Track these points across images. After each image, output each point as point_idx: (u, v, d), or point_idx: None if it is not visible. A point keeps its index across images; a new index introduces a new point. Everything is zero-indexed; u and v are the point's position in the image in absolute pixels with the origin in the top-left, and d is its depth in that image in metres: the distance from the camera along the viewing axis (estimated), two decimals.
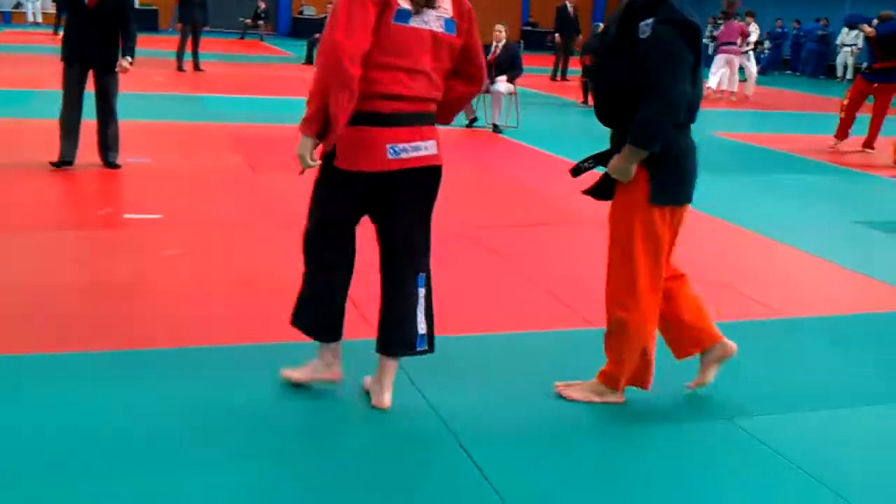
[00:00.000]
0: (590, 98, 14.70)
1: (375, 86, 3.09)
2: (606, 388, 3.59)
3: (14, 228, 5.62)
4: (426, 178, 3.33)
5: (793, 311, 4.97)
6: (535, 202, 7.26)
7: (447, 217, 6.54)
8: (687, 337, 3.65)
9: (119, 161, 7.47)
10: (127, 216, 6.12)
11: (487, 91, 11.13)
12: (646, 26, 3.18)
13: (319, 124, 3.15)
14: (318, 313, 3.49)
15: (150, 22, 27.47)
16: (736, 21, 17.93)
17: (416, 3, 3.10)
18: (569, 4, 18.91)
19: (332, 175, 3.26)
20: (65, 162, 7.25)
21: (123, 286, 4.67)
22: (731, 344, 3.67)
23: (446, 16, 3.22)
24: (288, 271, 5.04)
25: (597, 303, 4.67)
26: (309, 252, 3.47)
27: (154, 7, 27.90)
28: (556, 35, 19.20)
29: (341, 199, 3.32)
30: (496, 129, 10.93)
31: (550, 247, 6.02)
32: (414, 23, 3.11)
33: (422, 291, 3.46)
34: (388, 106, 3.13)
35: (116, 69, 7.26)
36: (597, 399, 3.59)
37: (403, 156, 3.17)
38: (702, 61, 3.31)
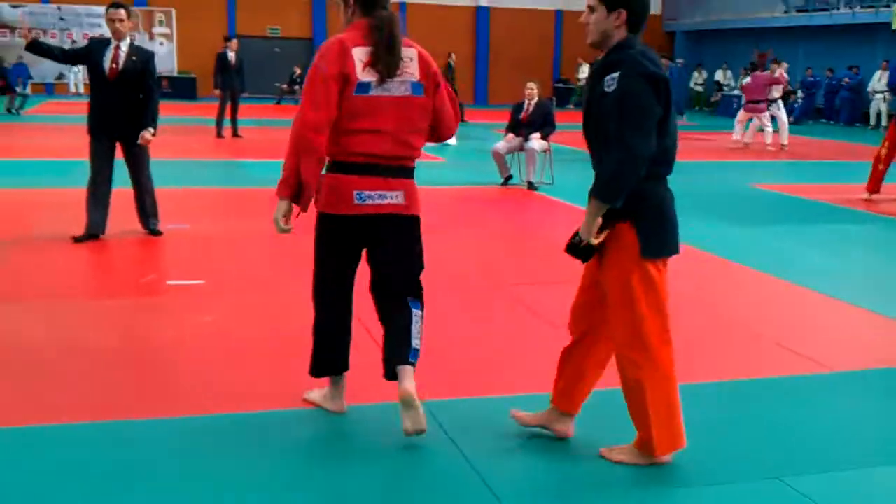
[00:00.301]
0: None
1: (346, 146, 3.56)
2: (644, 455, 3.50)
3: (61, 296, 5.71)
4: (396, 223, 3.73)
5: (841, 364, 4.87)
6: (569, 258, 7.22)
7: (483, 273, 6.59)
8: (576, 394, 3.69)
9: (160, 227, 7.57)
10: (170, 283, 6.19)
11: (521, 149, 11.21)
12: (611, 80, 3.20)
13: (292, 188, 3.59)
14: (329, 355, 3.93)
15: (188, 90, 28.09)
16: (764, 72, 17.97)
17: (379, 75, 3.50)
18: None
19: (322, 222, 3.72)
20: (91, 235, 7.26)
21: (167, 352, 4.72)
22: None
23: (412, 80, 3.60)
24: None
25: None
26: (317, 296, 3.88)
27: (192, 75, 28.51)
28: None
29: (331, 243, 3.75)
30: (531, 186, 10.97)
31: None
32: (375, 92, 3.50)
33: (417, 314, 3.84)
34: (357, 159, 3.58)
35: (139, 141, 7.23)
36: (643, 462, 3.52)
37: (369, 202, 3.61)
38: (672, 111, 3.29)
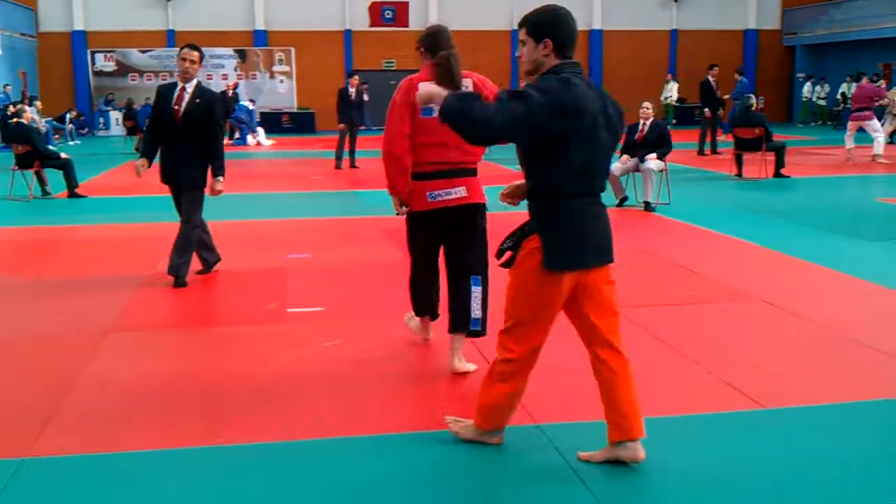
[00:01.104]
0: (744, 170, 14.40)
1: (419, 157, 4.75)
2: (478, 429, 3.87)
3: (190, 325, 5.93)
4: (462, 212, 4.84)
5: None
6: (690, 280, 7.11)
7: None
8: (613, 417, 3.70)
9: (178, 272, 7.05)
10: (291, 310, 6.35)
11: (637, 169, 11.08)
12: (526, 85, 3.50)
13: (394, 189, 4.83)
14: (419, 301, 5.24)
15: (307, 124, 28.85)
16: (868, 83, 17.43)
17: None
18: (711, 78, 18.82)
19: (410, 218, 4.97)
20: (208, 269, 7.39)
21: (287, 377, 4.83)
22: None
23: None
24: (443, 358, 5.11)
25: (765, 382, 4.51)
26: (412, 271, 5.17)
27: (311, 110, 29.29)
28: (707, 109, 18.91)
29: (416, 231, 5.01)
30: (648, 206, 10.82)
31: (708, 326, 5.86)
32: (436, 114, 3.77)
33: (477, 290, 4.83)
34: (428, 167, 4.75)
35: (210, 192, 7.10)
36: (472, 436, 3.88)
37: (438, 199, 4.77)
38: (587, 140, 3.47)
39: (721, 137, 19.44)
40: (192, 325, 5.98)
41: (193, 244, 7.20)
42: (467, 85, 4.76)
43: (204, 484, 3.54)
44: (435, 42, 4.97)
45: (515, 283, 3.67)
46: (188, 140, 6.94)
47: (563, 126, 3.40)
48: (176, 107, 6.90)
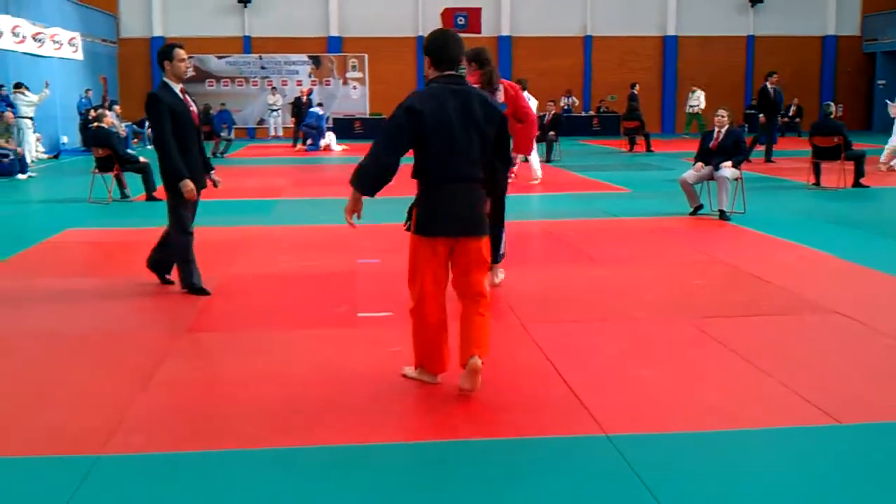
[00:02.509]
0: (822, 179, 14.09)
1: None
2: (415, 369, 4.80)
3: (262, 327, 6.01)
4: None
5: None
6: (765, 291, 6.97)
7: (674, 305, 6.43)
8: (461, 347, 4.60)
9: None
10: (361, 314, 6.39)
11: (712, 178, 10.91)
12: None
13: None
14: None
15: (379, 130, 29.04)
16: None
17: None
18: (769, 85, 18.66)
19: None
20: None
21: (360, 380, 4.86)
22: (473, 363, 4.49)
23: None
24: (509, 366, 5.09)
25: (841, 397, 4.41)
26: None
27: (383, 116, 29.46)
28: (761, 115, 18.72)
29: None
30: (723, 215, 10.64)
31: (783, 338, 5.73)
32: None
33: (503, 234, 6.77)
34: None
35: (217, 185, 7.17)
36: (413, 375, 4.80)
37: None
38: (438, 137, 4.42)
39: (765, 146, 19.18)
40: (265, 327, 6.05)
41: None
42: (500, 89, 6.41)
43: (273, 486, 3.58)
44: (482, 58, 6.36)
45: (409, 244, 4.66)
46: (201, 139, 6.99)
47: (413, 125, 4.42)
48: (192, 109, 6.81)
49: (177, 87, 6.78)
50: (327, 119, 26.55)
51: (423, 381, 4.76)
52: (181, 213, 6.81)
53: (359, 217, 4.68)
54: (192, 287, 6.93)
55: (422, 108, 4.42)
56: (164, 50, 6.82)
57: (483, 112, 4.50)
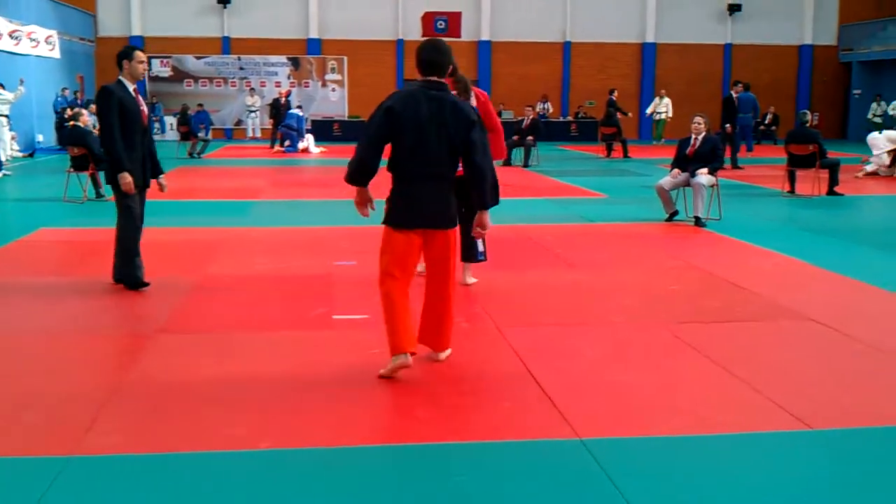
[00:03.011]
0: (797, 187, 14.20)
1: None
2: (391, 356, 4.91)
3: (237, 328, 5.98)
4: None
5: None
6: (739, 297, 7.02)
7: (648, 311, 6.46)
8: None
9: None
10: (336, 317, 6.38)
11: (688, 184, 10.98)
12: None
13: None
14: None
15: (358, 132, 28.97)
16: None
17: None
18: (733, 94, 19.18)
19: None
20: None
21: (336, 382, 4.85)
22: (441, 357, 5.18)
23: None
24: (484, 369, 5.10)
25: (813, 402, 4.45)
26: None
27: (362, 118, 29.43)
28: (727, 125, 18.94)
29: None
30: (698, 222, 10.71)
31: (757, 344, 5.77)
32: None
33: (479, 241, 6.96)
34: None
35: (164, 189, 7.47)
36: (387, 371, 4.91)
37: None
38: (409, 135, 4.82)
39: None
40: (240, 328, 6.03)
41: None
42: (472, 96, 6.92)
43: (252, 488, 3.57)
44: (454, 67, 6.04)
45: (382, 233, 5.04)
46: (149, 139, 7.15)
47: (390, 123, 4.83)
48: (142, 108, 7.03)
49: (131, 87, 6.98)
50: (306, 121, 26.50)
51: (397, 369, 4.88)
52: (129, 205, 6.98)
53: (372, 208, 5.11)
54: (136, 281, 7.02)
55: (398, 108, 4.84)
56: (124, 50, 7.07)
57: (453, 117, 4.86)
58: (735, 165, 18.87)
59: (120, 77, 6.99)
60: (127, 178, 6.82)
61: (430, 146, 4.85)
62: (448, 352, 5.23)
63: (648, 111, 28.02)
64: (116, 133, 6.79)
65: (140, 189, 7.06)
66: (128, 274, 7.06)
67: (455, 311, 5.32)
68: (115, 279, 7.19)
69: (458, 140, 4.88)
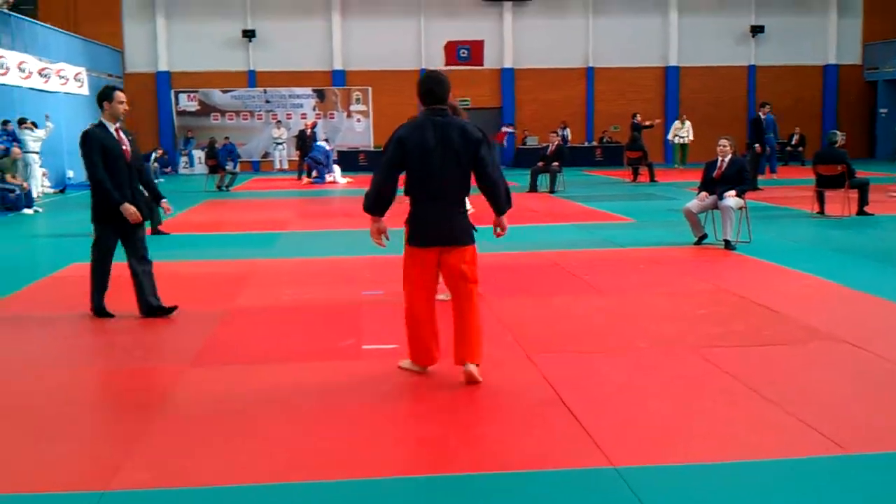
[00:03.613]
0: (826, 208, 14.09)
1: None
2: (410, 361, 5.59)
3: (267, 360, 5.99)
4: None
5: None
6: (771, 320, 6.95)
7: (677, 336, 6.41)
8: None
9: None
10: (366, 347, 6.38)
11: (716, 207, 10.92)
12: None
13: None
14: None
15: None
16: None
17: None
18: (761, 115, 19.05)
19: None
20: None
21: (362, 412, 4.84)
22: (469, 371, 5.31)
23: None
24: (514, 397, 5.08)
25: (848, 426, 4.38)
26: None
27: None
28: (756, 145, 18.85)
29: None
30: (728, 245, 10.64)
31: (790, 367, 5.71)
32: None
33: None
34: None
35: (166, 212, 7.85)
36: (406, 365, 5.59)
37: None
38: (418, 159, 5.23)
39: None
40: (269, 360, 6.04)
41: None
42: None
43: None
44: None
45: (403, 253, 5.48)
46: (134, 175, 7.29)
47: (400, 152, 5.24)
48: (124, 147, 7.21)
49: (112, 127, 7.24)
50: (334, 152, 26.71)
51: (414, 372, 5.50)
52: (104, 243, 7.33)
53: (386, 238, 5.53)
54: (100, 311, 7.37)
55: (407, 136, 5.27)
56: (104, 91, 7.36)
57: (461, 138, 5.25)
58: (754, 187, 18.61)
59: (101, 118, 7.27)
60: (130, 209, 7.11)
61: (439, 168, 5.24)
62: (476, 367, 5.33)
63: (670, 136, 27.82)
64: (101, 171, 7.07)
65: (131, 225, 7.23)
66: (98, 305, 7.39)
67: (483, 325, 5.53)
68: (143, 313, 7.31)
69: (467, 158, 5.28)
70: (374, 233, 5.52)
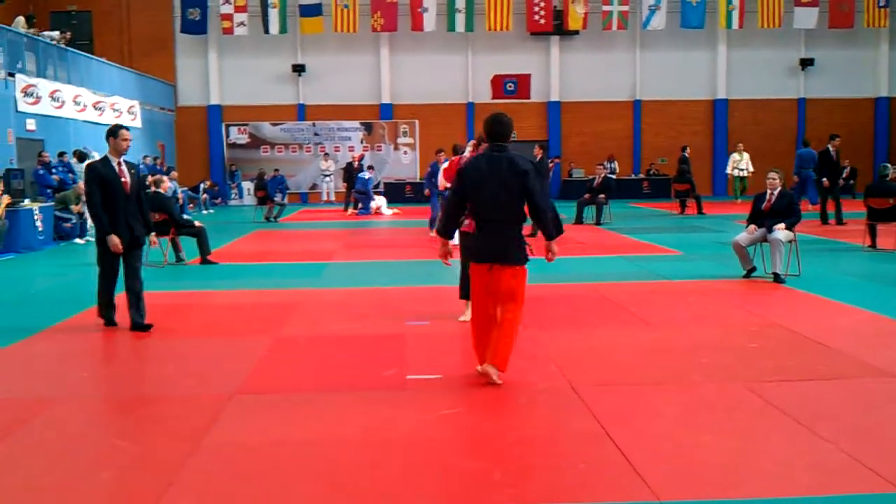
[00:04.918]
0: (878, 241, 13.86)
1: None
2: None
3: (312, 389, 6.01)
4: None
5: None
6: (822, 355, 6.82)
7: (727, 370, 6.31)
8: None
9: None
10: (410, 377, 6.37)
11: (765, 240, 10.79)
12: None
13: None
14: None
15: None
16: None
17: None
18: (831, 148, 18.50)
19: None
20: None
21: (404, 443, 4.83)
22: (489, 370, 5.95)
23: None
24: (559, 430, 5.03)
25: None
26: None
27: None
28: (824, 179, 18.50)
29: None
30: (777, 278, 10.49)
31: (842, 402, 5.59)
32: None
33: None
34: None
35: (152, 241, 8.51)
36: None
37: None
38: (475, 187, 6.00)
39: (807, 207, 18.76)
40: (314, 389, 6.06)
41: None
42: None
43: None
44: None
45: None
46: (133, 204, 8.06)
47: (460, 182, 6.10)
48: (123, 179, 7.97)
49: (115, 161, 8.03)
50: (378, 184, 26.86)
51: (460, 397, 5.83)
52: (106, 261, 8.06)
53: (452, 257, 6.41)
54: (109, 321, 8.18)
55: (467, 169, 6.11)
56: (111, 129, 8.16)
57: (509, 171, 5.94)
58: (839, 221, 18.15)
59: (107, 153, 8.07)
60: (114, 240, 7.90)
61: (493, 197, 5.96)
62: (496, 370, 5.92)
63: (728, 169, 27.36)
64: (98, 202, 7.90)
65: (126, 248, 8.02)
66: (104, 316, 8.25)
67: (515, 342, 6.06)
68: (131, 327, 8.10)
69: (516, 188, 5.93)
70: (441, 255, 6.36)
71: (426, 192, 18.24)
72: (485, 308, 6.12)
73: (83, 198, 17.88)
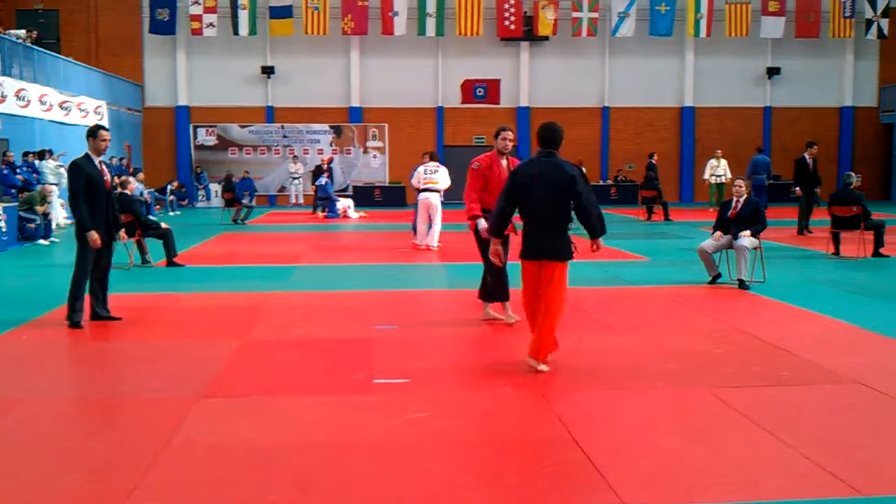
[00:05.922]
0: (841, 249, 14.04)
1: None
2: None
3: (278, 392, 5.99)
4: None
5: None
6: (785, 361, 6.91)
7: (691, 376, 6.37)
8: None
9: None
10: (377, 381, 6.37)
11: (730, 246, 10.90)
12: None
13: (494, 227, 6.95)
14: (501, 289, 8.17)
15: (398, 198, 29.20)
16: None
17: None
18: (807, 156, 18.42)
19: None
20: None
21: (372, 447, 4.83)
22: (530, 362, 6.54)
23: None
24: (527, 435, 5.05)
25: (863, 468, 4.34)
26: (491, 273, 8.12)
27: (402, 184, 29.69)
28: (797, 188, 18.46)
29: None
30: (742, 284, 10.60)
31: (804, 408, 5.66)
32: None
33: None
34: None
35: (121, 238, 9.06)
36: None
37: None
38: (523, 189, 6.55)
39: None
40: (281, 392, 6.04)
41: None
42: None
43: None
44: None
45: None
46: (112, 203, 8.39)
47: (510, 184, 6.68)
48: (105, 178, 8.29)
49: (96, 160, 8.32)
50: (347, 187, 26.65)
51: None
52: (86, 256, 8.25)
53: (503, 261, 7.12)
54: (74, 323, 8.19)
55: (517, 172, 6.73)
56: (91, 129, 8.45)
57: (556, 175, 6.46)
58: (807, 229, 18.01)
59: (87, 151, 8.31)
60: (94, 236, 8.09)
61: (539, 198, 6.50)
62: (536, 361, 6.48)
63: (706, 175, 27.10)
64: (81, 199, 8.09)
65: (105, 244, 8.31)
66: (69, 317, 8.23)
67: (557, 336, 6.57)
68: (91, 317, 8.46)
69: (561, 191, 6.45)
70: (493, 253, 6.93)
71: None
72: (530, 298, 6.64)
73: (48, 198, 17.71)
